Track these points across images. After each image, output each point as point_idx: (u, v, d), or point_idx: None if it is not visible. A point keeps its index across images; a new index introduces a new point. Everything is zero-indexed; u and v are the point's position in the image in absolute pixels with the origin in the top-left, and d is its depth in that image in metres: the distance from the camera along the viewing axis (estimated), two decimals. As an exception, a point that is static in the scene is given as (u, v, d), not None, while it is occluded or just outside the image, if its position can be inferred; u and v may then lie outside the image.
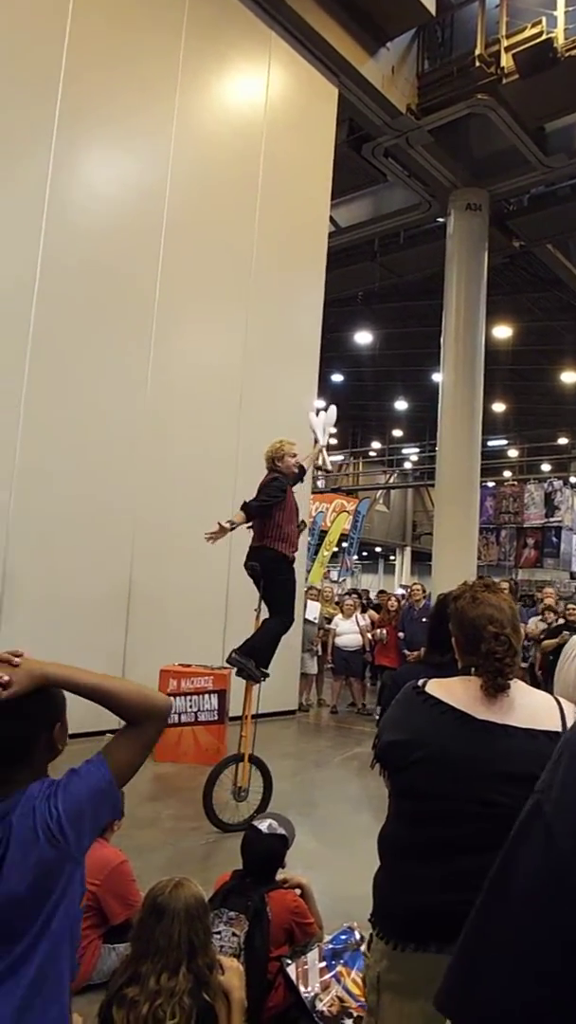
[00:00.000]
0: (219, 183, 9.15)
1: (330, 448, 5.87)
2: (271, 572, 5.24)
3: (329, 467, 6.39)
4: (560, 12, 10.38)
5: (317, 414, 6.06)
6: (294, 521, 5.34)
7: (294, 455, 5.40)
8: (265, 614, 5.40)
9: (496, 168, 12.80)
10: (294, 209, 10.15)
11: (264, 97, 9.78)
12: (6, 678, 1.45)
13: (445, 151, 12.38)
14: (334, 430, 6.13)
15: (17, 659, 1.49)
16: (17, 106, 7.17)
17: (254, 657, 5.21)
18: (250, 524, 5.26)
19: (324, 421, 6.03)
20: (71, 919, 1.52)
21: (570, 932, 0.90)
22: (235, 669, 5.28)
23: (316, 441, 6.05)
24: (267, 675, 5.34)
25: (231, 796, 5.23)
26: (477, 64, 10.84)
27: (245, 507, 5.10)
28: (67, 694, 1.59)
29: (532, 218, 14.26)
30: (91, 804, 1.49)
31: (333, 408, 6.15)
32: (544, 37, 10.24)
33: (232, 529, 5.07)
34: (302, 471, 5.59)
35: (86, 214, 7.74)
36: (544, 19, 10.40)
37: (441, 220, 13.96)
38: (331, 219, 12.55)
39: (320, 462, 6.39)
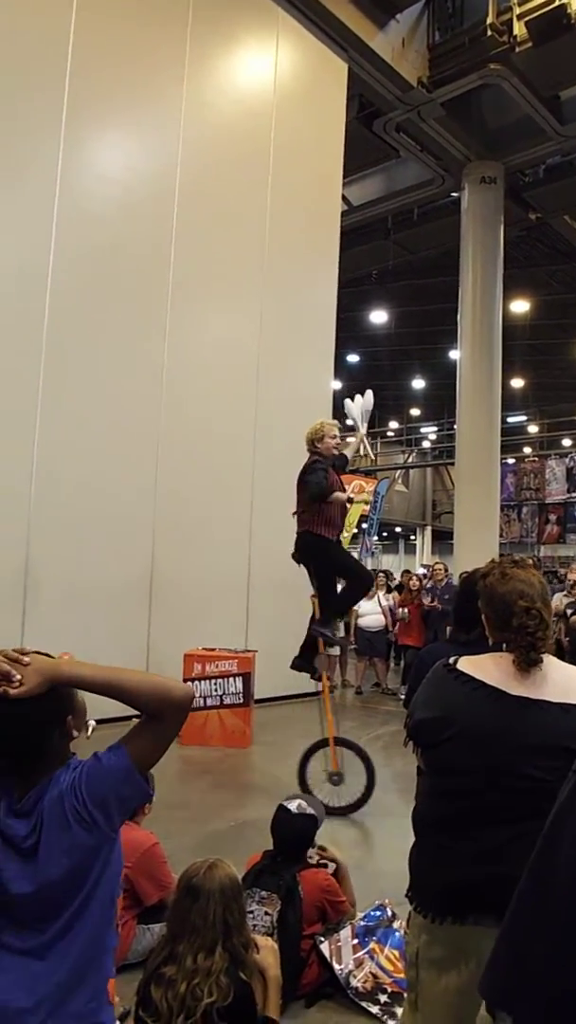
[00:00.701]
0: (230, 164, 9.08)
1: (347, 429, 5.80)
2: (318, 557, 5.22)
3: (372, 455, 6.17)
4: (573, -24, 10.13)
5: (353, 399, 5.93)
6: (339, 507, 5.28)
7: (334, 436, 5.32)
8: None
9: (510, 139, 12.58)
10: (306, 188, 10.05)
11: (273, 75, 9.67)
12: (17, 676, 1.45)
13: (458, 124, 12.17)
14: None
15: (26, 658, 1.48)
16: (25, 93, 7.14)
17: (330, 624, 5.33)
18: (295, 512, 5.24)
19: (362, 406, 5.86)
20: (111, 896, 1.56)
21: None
22: (320, 640, 5.33)
23: (355, 429, 5.95)
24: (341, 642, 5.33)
25: (327, 782, 5.24)
26: (489, 33, 10.61)
27: (317, 493, 4.99)
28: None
29: (548, 189, 14.02)
30: (114, 791, 1.51)
31: (370, 393, 5.96)
32: (557, 3, 9.98)
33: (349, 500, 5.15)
34: (344, 460, 5.49)
35: (97, 199, 7.72)
36: (557, -16, 10.16)
37: (455, 195, 13.76)
38: (343, 197, 12.41)
39: (362, 451, 6.28)
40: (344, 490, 5.34)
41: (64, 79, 7.36)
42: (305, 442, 5.35)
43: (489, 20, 10.64)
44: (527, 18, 10.35)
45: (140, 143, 8.36)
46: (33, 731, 1.53)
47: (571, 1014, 0.98)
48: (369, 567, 21.98)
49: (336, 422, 5.50)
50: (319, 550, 5.17)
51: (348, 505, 5.42)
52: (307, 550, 5.17)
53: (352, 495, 5.79)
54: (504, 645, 1.86)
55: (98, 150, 7.89)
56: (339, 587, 5.53)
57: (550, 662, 1.83)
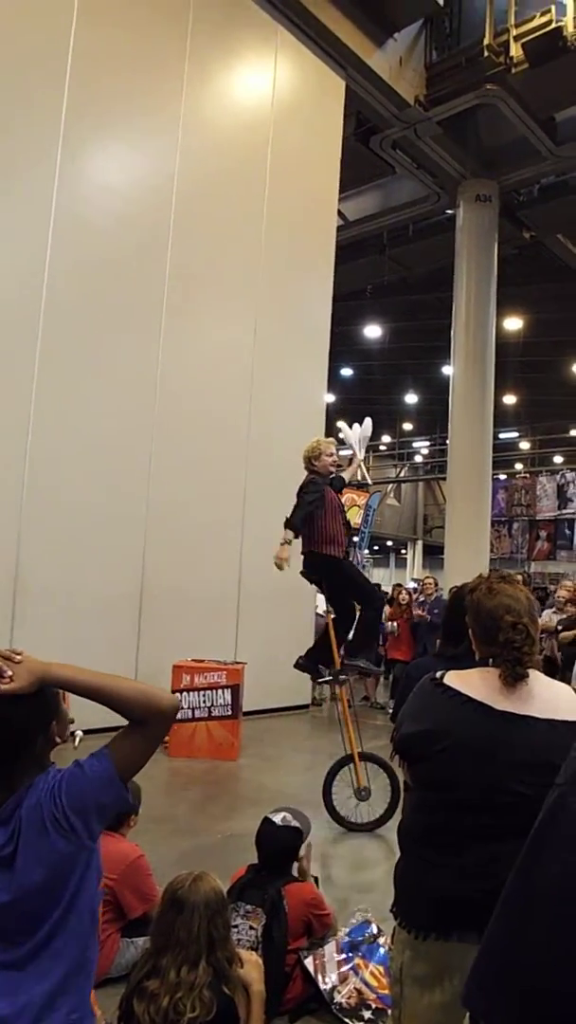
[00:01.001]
0: (227, 177, 9.14)
1: (340, 443, 5.81)
2: (327, 576, 5.26)
3: (369, 481, 6.23)
4: (569, 0, 10.27)
5: (351, 427, 5.97)
6: (339, 518, 5.28)
7: (331, 454, 5.33)
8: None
9: (506, 159, 12.70)
10: (302, 202, 10.11)
11: (271, 91, 9.75)
12: (9, 672, 1.46)
13: (454, 142, 12.29)
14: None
15: (18, 656, 1.50)
16: (24, 104, 7.17)
17: (361, 654, 5.34)
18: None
19: (360, 434, 5.90)
20: (92, 904, 1.56)
21: None
22: (355, 675, 5.48)
23: (352, 457, 6.00)
24: (379, 671, 5.40)
25: (353, 796, 5.25)
26: (486, 54, 10.74)
27: (289, 524, 4.99)
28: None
29: (543, 209, 14.13)
30: (94, 798, 1.51)
31: (368, 421, 6.00)
32: (553, 25, 10.12)
33: (290, 546, 5.01)
34: (341, 480, 5.49)
35: (94, 211, 7.75)
36: (553, 7, 10.29)
37: (450, 212, 13.87)
38: (339, 212, 12.50)
39: (360, 477, 6.31)
40: (343, 509, 5.38)
41: (63, 90, 7.40)
42: (302, 460, 5.36)
43: (486, 41, 10.77)
44: (524, 40, 10.48)
45: (138, 155, 8.41)
46: (16, 735, 1.53)
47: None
48: (360, 580, 22.03)
49: (333, 440, 5.52)
50: (327, 568, 5.18)
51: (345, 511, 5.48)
52: (317, 569, 5.19)
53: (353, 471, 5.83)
54: (491, 660, 1.87)
55: (96, 161, 7.93)
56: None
57: (536, 678, 1.83)
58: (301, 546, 5.21)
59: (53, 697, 1.63)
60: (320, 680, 5.46)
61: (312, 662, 5.43)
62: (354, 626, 5.43)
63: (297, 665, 5.48)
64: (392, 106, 11.29)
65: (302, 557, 5.23)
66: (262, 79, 9.72)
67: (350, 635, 5.45)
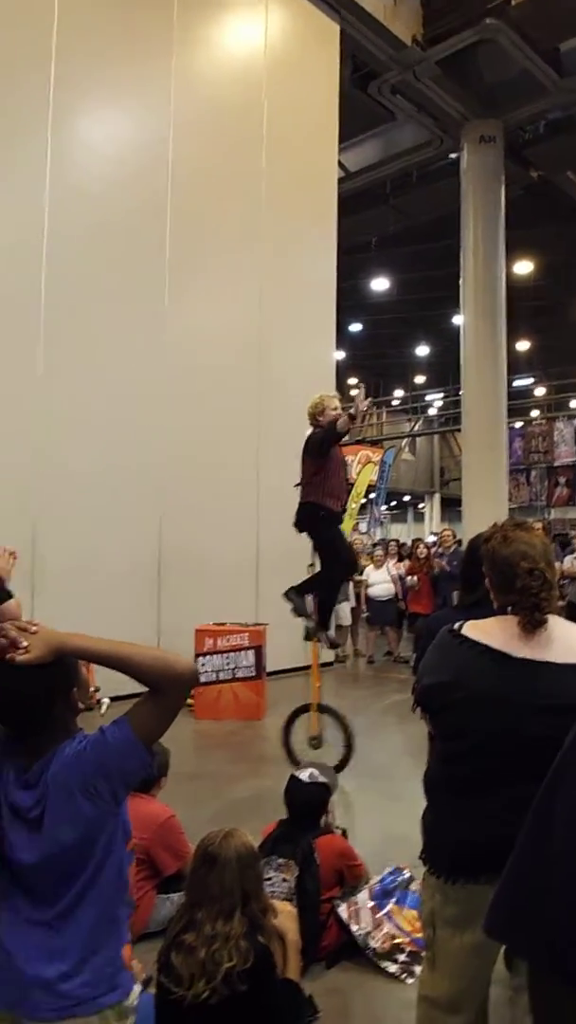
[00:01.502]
0: (223, 133, 8.95)
1: (350, 399, 5.74)
2: (321, 529, 5.24)
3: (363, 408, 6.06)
4: None
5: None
6: (340, 474, 5.34)
7: (335, 408, 5.28)
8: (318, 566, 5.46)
9: (509, 96, 12.31)
10: (301, 155, 9.89)
11: (263, 41, 9.48)
12: (24, 643, 1.49)
13: (455, 82, 11.92)
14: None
15: (34, 628, 1.53)
16: (11, 69, 7.03)
17: (310, 594, 5.31)
18: (297, 483, 5.26)
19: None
20: (119, 867, 1.60)
21: None
22: (290, 608, 5.36)
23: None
24: (335, 643, 5.44)
25: (307, 745, 5.38)
26: (484, -14, 10.37)
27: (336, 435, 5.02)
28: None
29: (550, 146, 13.74)
30: (117, 764, 1.54)
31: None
32: (553, -49, 9.75)
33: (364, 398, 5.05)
34: (340, 430, 5.42)
35: (89, 175, 7.63)
36: None
37: (454, 156, 13.52)
38: (340, 163, 12.22)
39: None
40: (345, 465, 5.34)
41: (50, 52, 7.24)
42: (308, 417, 5.34)
43: (484, -28, 10.39)
44: (523, -32, 10.09)
45: (130, 116, 8.24)
46: (36, 701, 1.56)
47: (567, 944, 1.00)
48: (378, 536, 22.06)
49: (336, 393, 5.53)
50: (319, 522, 5.18)
51: (357, 461, 5.43)
52: (308, 521, 5.19)
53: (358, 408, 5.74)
54: (509, 608, 1.87)
55: (88, 124, 7.79)
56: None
57: (556, 623, 1.83)
58: (300, 496, 5.22)
59: (72, 665, 1.65)
60: (303, 613, 5.33)
61: (300, 596, 5.35)
62: (320, 577, 5.39)
63: (286, 593, 5.42)
64: (389, 48, 10.95)
65: (300, 507, 5.22)
66: (253, 28, 9.45)
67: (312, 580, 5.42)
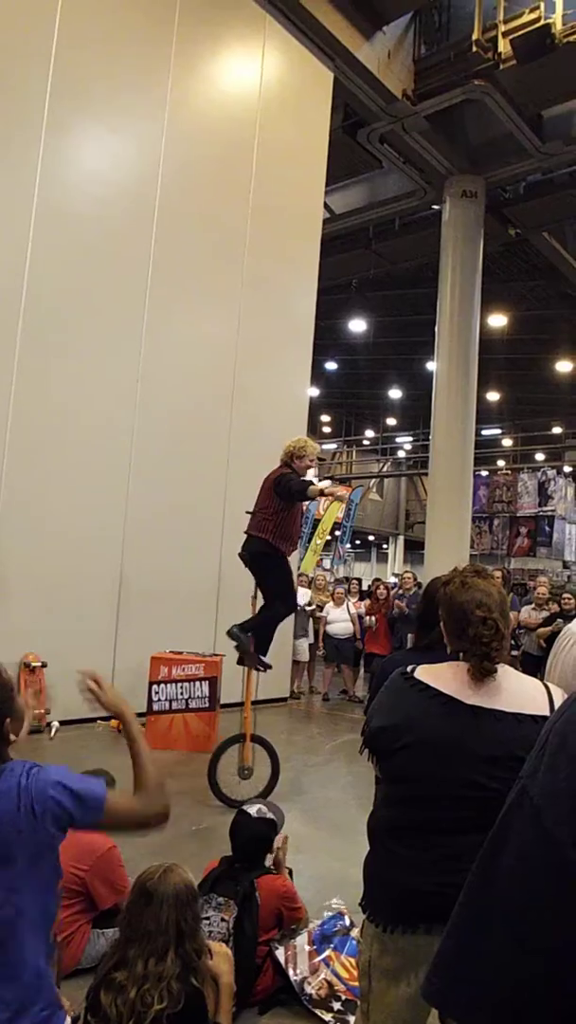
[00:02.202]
0: (213, 166, 9.08)
1: (323, 436, 5.88)
2: (261, 564, 5.27)
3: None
4: (558, -3, 10.30)
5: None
6: (298, 521, 5.37)
7: (312, 460, 5.42)
8: (261, 601, 5.47)
9: (492, 155, 12.72)
10: (288, 194, 10.07)
11: (258, 81, 9.69)
12: (94, 685, 1.79)
13: (441, 137, 12.29)
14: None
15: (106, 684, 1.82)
16: (6, 90, 7.08)
17: (251, 632, 5.33)
18: (250, 511, 5.31)
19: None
20: (43, 893, 1.57)
21: (560, 911, 0.90)
22: (234, 645, 5.37)
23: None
24: (267, 666, 5.45)
25: (236, 774, 5.42)
26: (474, 49, 10.74)
27: (295, 493, 5.08)
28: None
29: (528, 206, 14.18)
30: (72, 802, 1.55)
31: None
32: (542, 23, 10.16)
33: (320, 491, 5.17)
34: (308, 495, 5.29)
35: (78, 197, 7.66)
36: (542, 4, 10.32)
37: (436, 207, 13.88)
38: (326, 205, 12.47)
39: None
40: (303, 513, 5.41)
41: (47, 76, 7.31)
42: (283, 452, 5.35)
43: (475, 36, 10.78)
44: (512, 36, 10.50)
45: (123, 141, 8.32)
46: None
47: (510, 1018, 0.98)
48: (341, 574, 22.11)
49: (319, 446, 5.58)
50: (272, 561, 5.23)
51: (325, 499, 5.56)
52: (257, 557, 5.24)
53: (335, 490, 5.82)
54: (461, 654, 1.88)
55: (80, 147, 7.84)
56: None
57: (505, 672, 1.84)
58: (250, 526, 5.26)
59: (6, 693, 1.64)
60: (244, 651, 5.32)
61: (244, 632, 5.34)
62: (260, 615, 5.42)
63: (229, 632, 5.38)
64: (380, 99, 11.27)
65: (245, 537, 5.28)
66: (250, 68, 9.65)
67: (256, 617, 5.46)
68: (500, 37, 10.72)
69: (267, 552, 5.18)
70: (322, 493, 5.28)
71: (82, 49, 7.59)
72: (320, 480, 5.84)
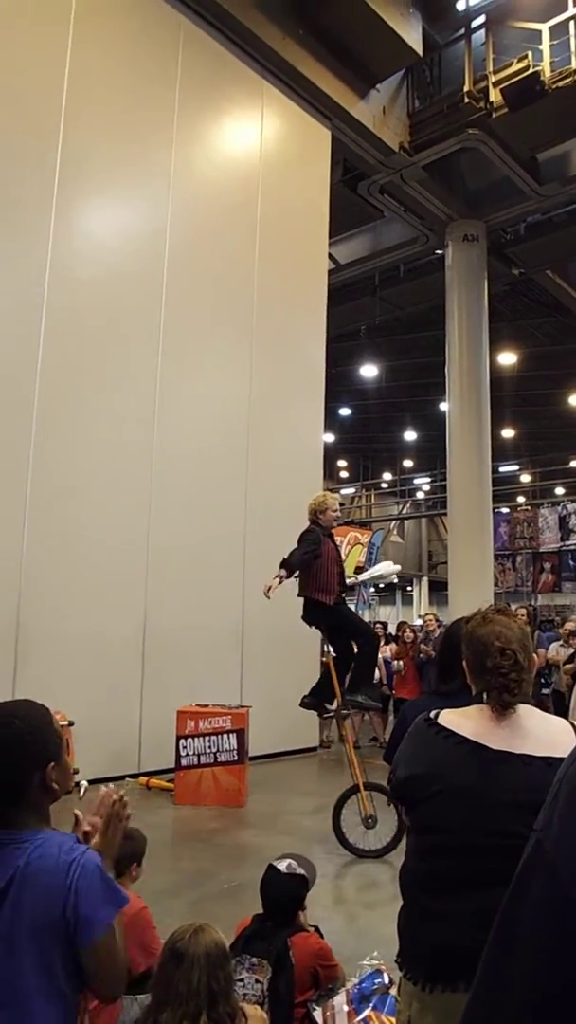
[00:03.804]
0: (218, 227, 9.33)
1: (340, 481, 6.29)
2: (322, 620, 5.62)
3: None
4: (545, 46, 10.59)
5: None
6: (334, 570, 5.64)
7: (336, 510, 5.76)
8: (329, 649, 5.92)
9: (491, 199, 12.98)
10: (293, 249, 10.31)
11: (259, 143, 10.00)
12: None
13: (440, 185, 12.57)
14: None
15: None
16: (17, 160, 7.37)
17: (360, 689, 5.66)
18: (296, 575, 5.57)
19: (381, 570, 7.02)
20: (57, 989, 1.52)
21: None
22: (354, 710, 5.94)
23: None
24: (378, 706, 6.04)
25: (360, 824, 5.51)
26: (466, 100, 11.05)
27: (284, 563, 5.34)
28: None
29: (530, 246, 14.40)
30: (97, 912, 1.51)
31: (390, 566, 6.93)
32: (531, 71, 10.44)
33: (280, 584, 5.34)
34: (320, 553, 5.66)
35: (88, 266, 7.90)
36: (530, 53, 10.61)
37: (439, 252, 14.12)
38: (330, 256, 12.73)
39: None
40: (340, 560, 5.77)
41: (56, 148, 7.61)
42: (308, 511, 5.71)
43: (466, 88, 11.10)
44: (502, 85, 10.79)
45: (130, 208, 8.60)
46: (10, 768, 1.54)
47: None
48: (366, 619, 21.95)
49: (339, 496, 5.91)
50: (320, 614, 5.53)
51: (346, 544, 5.93)
52: (312, 613, 5.57)
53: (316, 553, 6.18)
54: (484, 695, 1.86)
55: (89, 217, 8.11)
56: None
57: (531, 713, 1.81)
58: (298, 591, 5.56)
59: (55, 738, 1.64)
60: (325, 716, 5.68)
61: (316, 699, 5.73)
62: (352, 664, 5.69)
63: (303, 703, 5.77)
64: (378, 153, 11.58)
65: (301, 602, 5.56)
66: (250, 132, 9.98)
67: (349, 673, 5.70)
68: (491, 87, 11.02)
69: (310, 608, 5.53)
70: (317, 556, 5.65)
71: (88, 123, 7.91)
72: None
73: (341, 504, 5.77)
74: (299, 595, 5.54)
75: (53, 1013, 1.48)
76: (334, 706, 5.72)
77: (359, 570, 21.79)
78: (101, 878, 1.53)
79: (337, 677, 5.60)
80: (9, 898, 1.47)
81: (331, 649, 5.76)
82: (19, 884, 1.48)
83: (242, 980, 2.71)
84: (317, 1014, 2.85)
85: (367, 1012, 2.97)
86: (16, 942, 1.46)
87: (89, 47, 7.94)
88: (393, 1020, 2.92)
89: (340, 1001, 2.95)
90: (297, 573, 5.43)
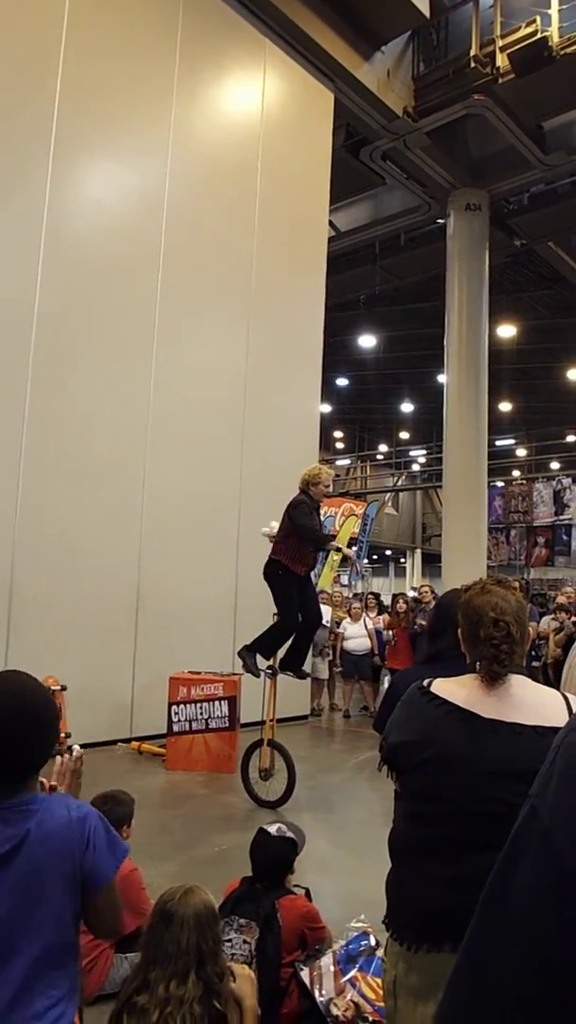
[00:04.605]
0: (217, 192, 9.18)
1: (336, 452, 6.34)
2: (284, 586, 5.68)
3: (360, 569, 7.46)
4: (554, 10, 10.38)
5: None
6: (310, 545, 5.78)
7: (328, 485, 5.85)
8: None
9: (495, 168, 12.79)
10: (293, 215, 10.16)
11: (260, 105, 9.81)
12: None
13: (443, 152, 12.37)
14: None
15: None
16: (14, 119, 7.21)
17: (291, 664, 5.92)
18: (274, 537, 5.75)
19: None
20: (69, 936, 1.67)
21: (571, 937, 0.86)
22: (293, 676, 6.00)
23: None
24: (260, 671, 5.86)
25: (257, 776, 5.86)
26: (473, 65, 10.84)
27: (304, 529, 5.53)
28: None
29: (532, 216, 14.23)
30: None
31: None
32: (539, 36, 10.24)
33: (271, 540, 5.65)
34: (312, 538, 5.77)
35: (85, 226, 7.78)
36: (539, 18, 10.40)
37: (441, 221, 13.95)
38: (331, 223, 12.56)
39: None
40: (326, 537, 6.00)
41: (53, 105, 7.45)
42: (300, 480, 5.72)
43: (473, 52, 10.87)
44: (510, 50, 10.58)
45: (128, 170, 8.45)
46: (29, 746, 1.64)
47: None
48: (359, 590, 22.03)
49: (332, 471, 5.94)
50: (276, 578, 5.65)
51: (340, 515, 6.03)
52: (270, 575, 5.68)
53: (338, 545, 6.34)
54: (478, 664, 1.86)
55: (86, 177, 7.96)
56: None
57: (522, 683, 1.82)
58: (271, 551, 5.69)
59: (53, 712, 1.73)
60: (251, 671, 5.83)
61: (252, 653, 5.82)
62: (293, 638, 5.85)
63: (240, 653, 5.91)
64: (381, 118, 11.37)
65: (267, 560, 5.69)
66: (251, 93, 9.78)
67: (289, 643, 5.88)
68: (498, 52, 10.81)
69: (275, 571, 5.64)
70: (339, 550, 6.21)
71: (86, 80, 7.74)
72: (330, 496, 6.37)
73: (336, 476, 5.79)
74: (272, 556, 5.66)
75: (67, 959, 1.65)
76: (262, 666, 5.89)
77: (353, 542, 21.87)
78: (107, 831, 1.70)
79: (278, 642, 5.83)
80: (24, 854, 1.56)
81: (277, 613, 5.85)
82: (35, 842, 1.57)
83: (230, 941, 2.75)
84: (304, 974, 2.90)
85: (353, 973, 3.02)
86: (36, 894, 1.57)
87: (88, 1, 7.74)
88: (379, 981, 2.97)
89: (327, 962, 3.00)
90: (279, 531, 5.66)
